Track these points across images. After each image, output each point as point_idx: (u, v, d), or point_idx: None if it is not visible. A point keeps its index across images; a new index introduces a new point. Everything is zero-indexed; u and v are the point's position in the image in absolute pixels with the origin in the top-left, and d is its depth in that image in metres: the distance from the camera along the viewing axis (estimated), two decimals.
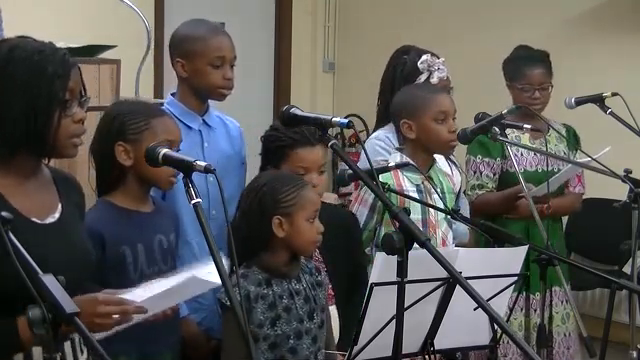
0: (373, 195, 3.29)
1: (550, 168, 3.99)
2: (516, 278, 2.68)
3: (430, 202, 3.25)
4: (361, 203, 3.34)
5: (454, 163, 3.79)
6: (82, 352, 2.27)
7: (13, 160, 2.18)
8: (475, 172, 4.08)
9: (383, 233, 3.31)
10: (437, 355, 2.71)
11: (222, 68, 3.18)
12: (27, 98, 2.12)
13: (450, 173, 3.59)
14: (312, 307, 2.79)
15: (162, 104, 3.27)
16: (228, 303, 2.64)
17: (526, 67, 4.10)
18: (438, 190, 3.34)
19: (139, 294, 2.21)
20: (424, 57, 3.66)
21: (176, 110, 3.18)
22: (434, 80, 3.64)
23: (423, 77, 3.65)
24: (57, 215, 2.26)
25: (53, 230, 2.22)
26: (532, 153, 4.05)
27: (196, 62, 3.15)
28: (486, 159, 4.06)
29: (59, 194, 2.30)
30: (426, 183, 3.33)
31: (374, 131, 3.72)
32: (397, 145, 3.49)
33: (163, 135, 2.69)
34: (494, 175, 4.07)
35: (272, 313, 2.72)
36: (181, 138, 2.84)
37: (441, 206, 3.29)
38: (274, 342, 2.71)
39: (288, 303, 2.74)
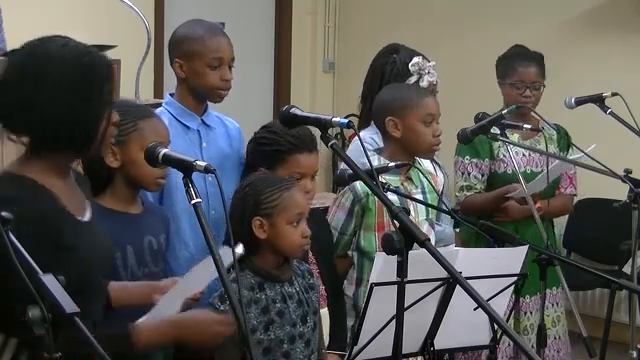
0: (351, 200, 3.30)
1: (539, 169, 3.98)
2: (517, 278, 2.68)
3: (410, 204, 3.21)
4: (339, 207, 3.34)
5: (437, 164, 3.79)
6: None
7: (55, 159, 2.20)
8: (463, 173, 4.04)
9: (362, 237, 3.33)
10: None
11: (220, 69, 3.15)
12: (77, 99, 2.14)
13: (433, 172, 3.59)
14: (305, 310, 2.77)
15: (161, 104, 3.27)
16: (221, 308, 2.64)
17: (519, 64, 4.07)
18: (419, 190, 3.34)
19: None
20: (416, 59, 3.64)
21: (174, 110, 3.18)
22: (424, 84, 3.63)
23: (412, 79, 3.63)
24: (88, 213, 2.30)
25: (91, 227, 2.28)
26: (521, 154, 4.01)
27: (194, 63, 3.13)
28: (474, 160, 4.03)
29: (84, 192, 2.35)
30: (405, 184, 3.32)
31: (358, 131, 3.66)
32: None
33: (151, 137, 2.64)
34: (482, 176, 4.03)
35: (265, 317, 2.69)
36: (170, 140, 2.82)
37: (421, 207, 3.29)
38: (268, 347, 2.69)
39: (281, 307, 2.72)
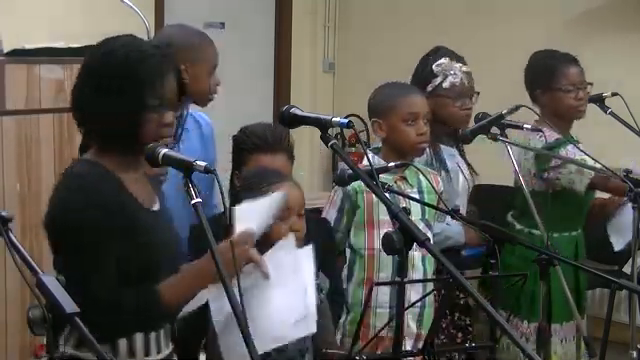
0: (340, 197, 3.32)
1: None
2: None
3: (404, 203, 3.18)
4: (331, 204, 3.35)
5: (469, 164, 3.79)
6: None
7: (116, 152, 2.34)
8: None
9: (352, 234, 3.34)
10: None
11: (214, 74, 3.27)
12: (119, 100, 2.29)
13: (464, 170, 3.60)
14: None
15: None
16: None
17: (564, 66, 3.87)
18: (415, 190, 3.34)
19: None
20: (441, 60, 3.66)
21: None
22: (446, 84, 3.64)
23: (437, 80, 3.65)
24: (157, 205, 2.44)
25: (159, 217, 2.42)
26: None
27: (198, 68, 3.22)
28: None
29: (154, 189, 2.48)
30: (399, 183, 3.32)
31: None
32: None
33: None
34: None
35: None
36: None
37: (416, 207, 3.28)
38: None
39: None
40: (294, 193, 2.74)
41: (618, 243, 3.61)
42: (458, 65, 3.68)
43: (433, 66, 3.66)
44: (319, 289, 2.83)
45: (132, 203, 2.34)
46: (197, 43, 3.28)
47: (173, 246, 2.44)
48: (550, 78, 3.87)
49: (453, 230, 3.58)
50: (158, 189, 2.53)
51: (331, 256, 3.21)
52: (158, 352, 2.41)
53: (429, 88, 3.63)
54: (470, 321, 3.74)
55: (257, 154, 2.99)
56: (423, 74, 3.69)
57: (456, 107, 3.64)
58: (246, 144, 3.02)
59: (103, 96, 2.30)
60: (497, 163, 3.74)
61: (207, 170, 2.05)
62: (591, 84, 3.89)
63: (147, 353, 2.37)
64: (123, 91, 2.29)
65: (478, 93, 3.72)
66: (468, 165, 3.81)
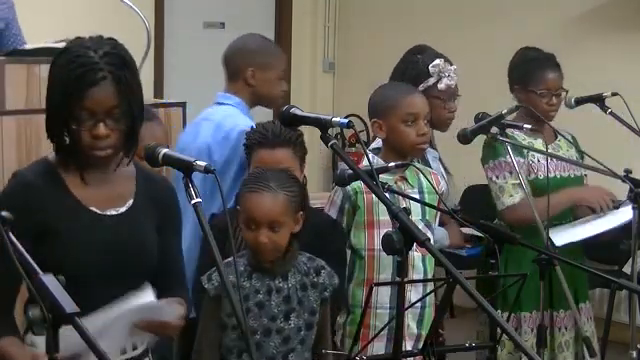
0: (341, 197, 3.31)
1: (567, 174, 3.82)
2: None
3: (404, 203, 3.15)
4: (332, 205, 3.35)
5: (444, 166, 3.78)
6: None
7: (67, 154, 2.32)
8: (512, 172, 3.66)
9: (352, 235, 3.33)
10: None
11: (282, 80, 3.63)
12: (52, 106, 2.29)
13: (441, 171, 3.59)
14: (291, 308, 2.75)
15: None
16: (206, 286, 2.69)
17: (544, 71, 3.81)
18: (415, 190, 3.33)
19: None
20: (437, 61, 3.64)
21: (245, 112, 3.53)
22: (441, 86, 3.62)
23: (431, 81, 3.63)
24: (122, 210, 2.36)
25: (109, 221, 2.34)
26: (551, 160, 3.74)
27: (269, 73, 3.54)
28: (516, 158, 3.62)
29: (136, 191, 2.39)
30: (400, 184, 3.32)
31: None
32: None
33: (149, 140, 2.62)
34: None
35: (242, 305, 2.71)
36: (168, 143, 2.87)
37: (416, 207, 3.28)
38: (239, 334, 2.68)
39: (263, 299, 2.73)
40: (265, 207, 2.71)
41: (557, 239, 3.57)
42: (452, 67, 3.67)
43: (429, 67, 3.63)
44: (323, 287, 2.84)
45: (66, 204, 2.30)
46: (265, 49, 3.59)
47: (132, 254, 2.36)
48: (528, 80, 3.83)
49: (437, 233, 3.57)
50: (143, 194, 2.42)
51: (341, 258, 3.21)
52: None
53: (420, 88, 3.60)
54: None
55: (257, 149, 3.08)
56: (414, 73, 3.65)
57: (445, 109, 3.64)
58: (250, 140, 3.11)
59: (47, 100, 2.31)
60: None
61: (207, 170, 2.05)
62: (566, 91, 3.86)
63: None
64: (53, 100, 2.28)
65: (459, 95, 3.73)
66: (443, 167, 3.78)
